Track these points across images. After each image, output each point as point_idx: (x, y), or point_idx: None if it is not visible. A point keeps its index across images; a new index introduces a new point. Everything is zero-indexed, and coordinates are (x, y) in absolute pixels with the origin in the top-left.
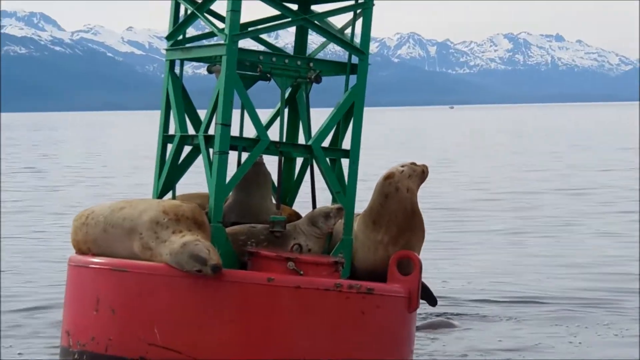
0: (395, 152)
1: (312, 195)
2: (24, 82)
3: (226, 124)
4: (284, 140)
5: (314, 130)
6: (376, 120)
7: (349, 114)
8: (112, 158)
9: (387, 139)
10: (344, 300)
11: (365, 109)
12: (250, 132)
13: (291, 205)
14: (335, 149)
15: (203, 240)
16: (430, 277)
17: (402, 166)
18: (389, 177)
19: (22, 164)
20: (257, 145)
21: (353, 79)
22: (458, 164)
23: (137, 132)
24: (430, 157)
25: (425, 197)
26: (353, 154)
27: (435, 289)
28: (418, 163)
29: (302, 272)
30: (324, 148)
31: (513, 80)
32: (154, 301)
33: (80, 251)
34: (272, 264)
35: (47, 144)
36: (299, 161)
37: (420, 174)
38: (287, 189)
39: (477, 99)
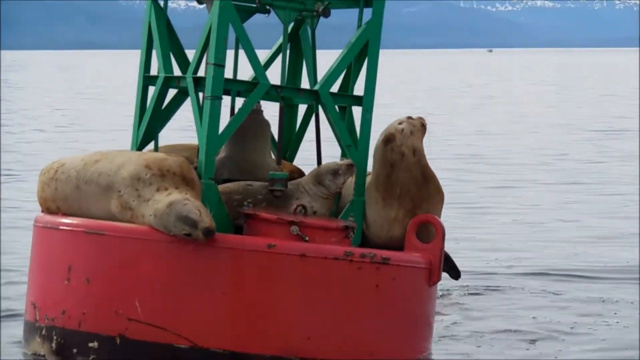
0: (418, 101)
1: (317, 149)
2: None
3: (219, 64)
4: (285, 84)
5: (320, 75)
6: (400, 64)
7: (362, 54)
8: (86, 104)
9: (409, 85)
10: (356, 271)
11: (389, 51)
12: (243, 75)
13: (292, 161)
14: (346, 95)
15: (193, 199)
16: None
17: (400, 123)
18: (389, 141)
19: None
20: (256, 89)
21: (368, 13)
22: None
23: (118, 74)
24: (463, 105)
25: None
26: (367, 101)
27: (459, 259)
28: (413, 116)
29: (307, 238)
30: (332, 94)
31: (562, 21)
32: (136, 269)
33: (48, 210)
34: (273, 228)
35: (6, 87)
36: (301, 110)
37: (420, 127)
38: (288, 141)
39: (520, 41)
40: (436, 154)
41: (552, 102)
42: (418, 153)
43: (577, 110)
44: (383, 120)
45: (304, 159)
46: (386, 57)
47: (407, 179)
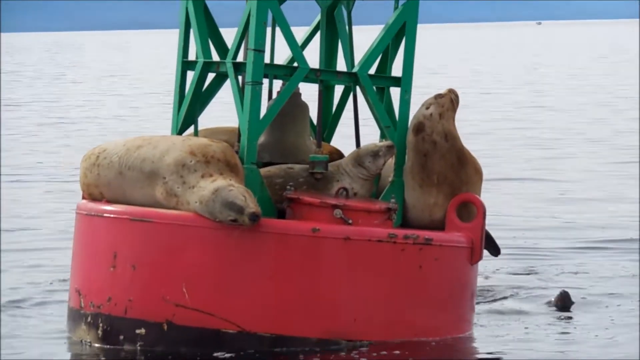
0: (459, 79)
1: (356, 131)
2: None
3: (259, 50)
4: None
5: (356, 55)
6: (443, 40)
7: (399, 35)
8: (130, 85)
9: (451, 63)
10: (399, 252)
11: (430, 25)
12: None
13: (329, 141)
14: (384, 77)
15: (237, 185)
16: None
17: (427, 107)
18: (419, 131)
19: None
20: (295, 73)
21: None
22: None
23: (165, 55)
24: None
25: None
26: (405, 82)
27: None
28: (442, 92)
29: (350, 221)
30: (370, 75)
31: None
32: (182, 256)
33: (90, 196)
34: (316, 211)
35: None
36: (338, 90)
37: (450, 105)
38: (326, 122)
39: (569, 13)
40: None
41: None
42: (450, 137)
43: None
44: (421, 100)
45: (341, 140)
46: (426, 33)
47: (442, 166)
